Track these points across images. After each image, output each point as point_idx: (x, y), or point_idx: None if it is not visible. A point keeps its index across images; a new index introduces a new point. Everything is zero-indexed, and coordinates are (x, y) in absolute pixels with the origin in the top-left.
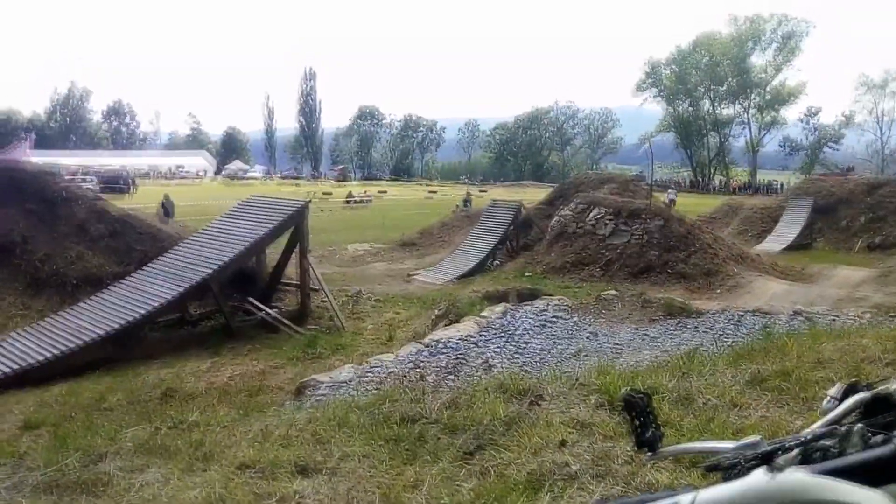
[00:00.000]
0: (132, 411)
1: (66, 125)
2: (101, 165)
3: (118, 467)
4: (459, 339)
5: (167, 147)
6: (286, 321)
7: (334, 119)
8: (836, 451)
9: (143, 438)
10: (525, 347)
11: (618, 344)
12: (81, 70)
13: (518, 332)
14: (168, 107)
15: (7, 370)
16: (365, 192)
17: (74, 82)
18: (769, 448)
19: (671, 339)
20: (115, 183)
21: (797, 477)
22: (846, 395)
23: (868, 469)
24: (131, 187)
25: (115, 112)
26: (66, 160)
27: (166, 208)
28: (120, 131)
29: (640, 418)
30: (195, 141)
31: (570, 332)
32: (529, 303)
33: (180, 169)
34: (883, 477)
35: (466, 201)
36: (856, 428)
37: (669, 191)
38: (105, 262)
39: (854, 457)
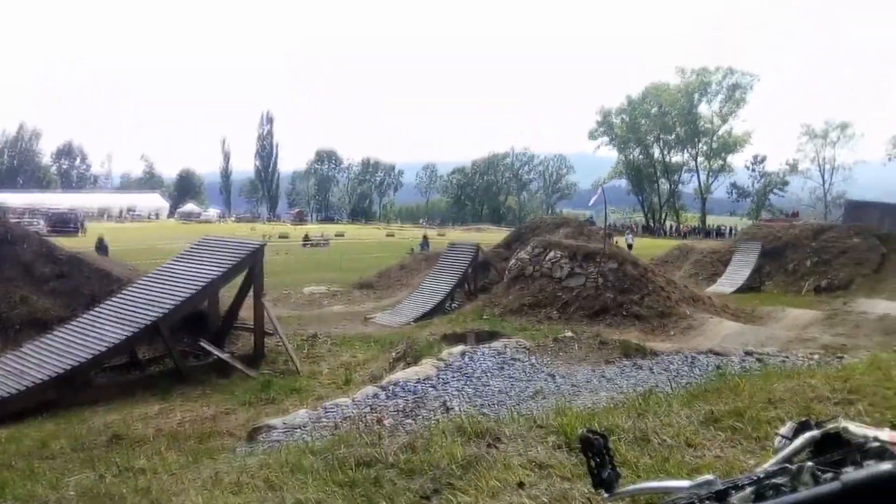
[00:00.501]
0: (76, 458)
1: (13, 166)
2: (49, 206)
3: None
4: (417, 381)
5: (119, 188)
6: (239, 364)
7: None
8: (789, 489)
9: (87, 486)
10: (484, 389)
11: (575, 385)
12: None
13: (477, 374)
14: (121, 148)
15: None
16: (322, 233)
17: (23, 123)
18: (723, 487)
19: (627, 379)
20: (65, 224)
21: None
22: (797, 433)
23: None
24: (80, 229)
25: (66, 153)
26: (12, 201)
27: (100, 252)
28: (70, 173)
29: (597, 458)
30: (148, 182)
31: (528, 373)
32: (488, 344)
33: (132, 211)
34: None
35: (423, 244)
36: (806, 466)
37: (628, 234)
38: (51, 305)
39: (804, 494)
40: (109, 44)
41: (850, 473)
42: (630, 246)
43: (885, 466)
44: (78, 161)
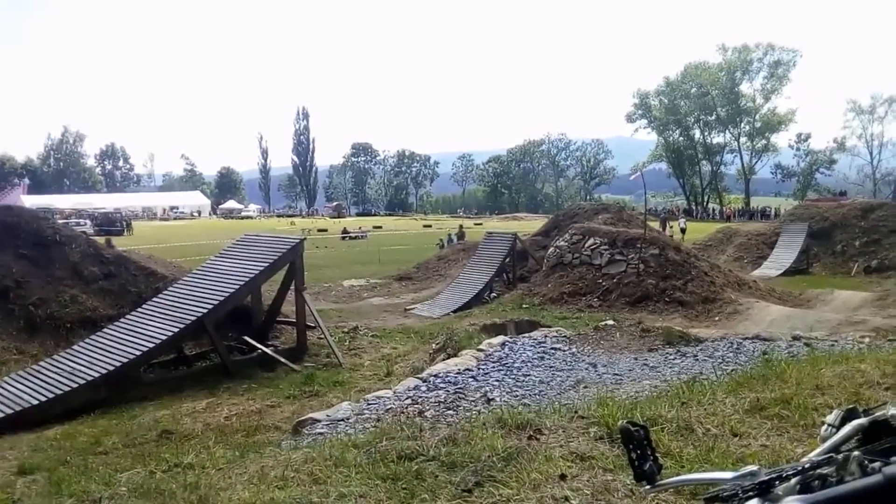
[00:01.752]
0: (128, 454)
1: (59, 169)
2: (95, 208)
3: None
4: (458, 373)
5: (162, 188)
6: (283, 358)
7: (328, 156)
8: (835, 479)
9: (138, 482)
10: (524, 380)
11: (617, 374)
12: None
13: (517, 364)
14: (162, 148)
15: (1, 414)
16: (360, 227)
17: (67, 126)
18: (767, 477)
19: (671, 367)
20: (111, 224)
21: None
22: (844, 421)
23: (860, 499)
24: (125, 229)
25: (109, 155)
26: (60, 203)
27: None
28: (114, 174)
29: (638, 450)
30: (190, 181)
31: (569, 362)
32: (528, 334)
33: (175, 209)
34: None
35: (451, 237)
36: (853, 455)
37: (681, 219)
38: (100, 304)
39: (846, 487)
40: (148, 45)
41: (892, 466)
42: (683, 230)
43: None
44: (121, 162)
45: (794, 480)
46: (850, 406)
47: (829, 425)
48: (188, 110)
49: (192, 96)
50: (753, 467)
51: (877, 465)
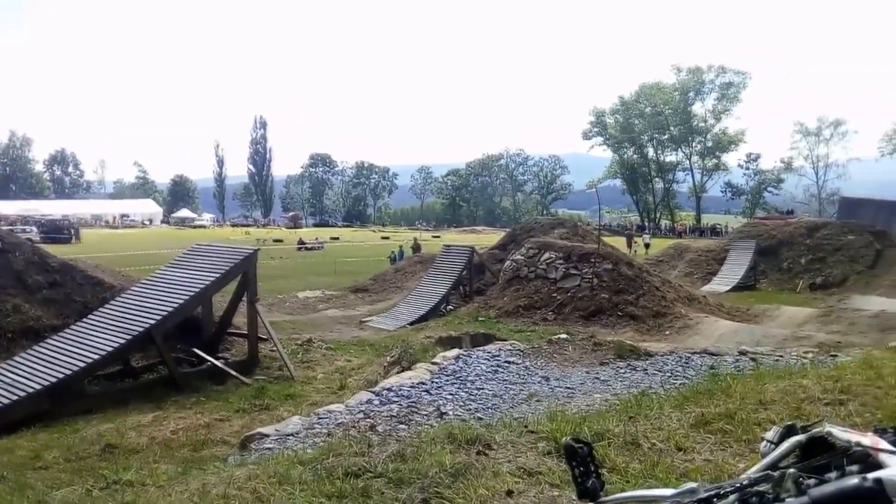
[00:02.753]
0: (69, 469)
1: (5, 174)
2: (42, 214)
3: None
4: (411, 386)
5: (113, 195)
6: (233, 371)
7: (286, 166)
8: (771, 497)
9: (72, 501)
10: (478, 393)
11: (569, 387)
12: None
13: (471, 378)
14: (114, 155)
15: None
16: (317, 238)
17: (13, 130)
18: (706, 494)
19: (621, 381)
20: (58, 232)
21: None
22: (783, 437)
23: None
24: (73, 236)
25: (59, 160)
26: (5, 209)
27: None
28: (63, 180)
29: (582, 467)
30: (142, 189)
31: (523, 376)
32: (482, 347)
33: (126, 217)
34: None
35: (412, 248)
36: (789, 472)
37: (645, 235)
38: (43, 313)
39: None
40: (101, 49)
41: (817, 488)
42: (647, 245)
43: (852, 482)
44: (71, 168)
45: (731, 498)
46: (789, 423)
47: (768, 441)
48: (141, 116)
49: (145, 102)
50: (693, 484)
51: (811, 482)
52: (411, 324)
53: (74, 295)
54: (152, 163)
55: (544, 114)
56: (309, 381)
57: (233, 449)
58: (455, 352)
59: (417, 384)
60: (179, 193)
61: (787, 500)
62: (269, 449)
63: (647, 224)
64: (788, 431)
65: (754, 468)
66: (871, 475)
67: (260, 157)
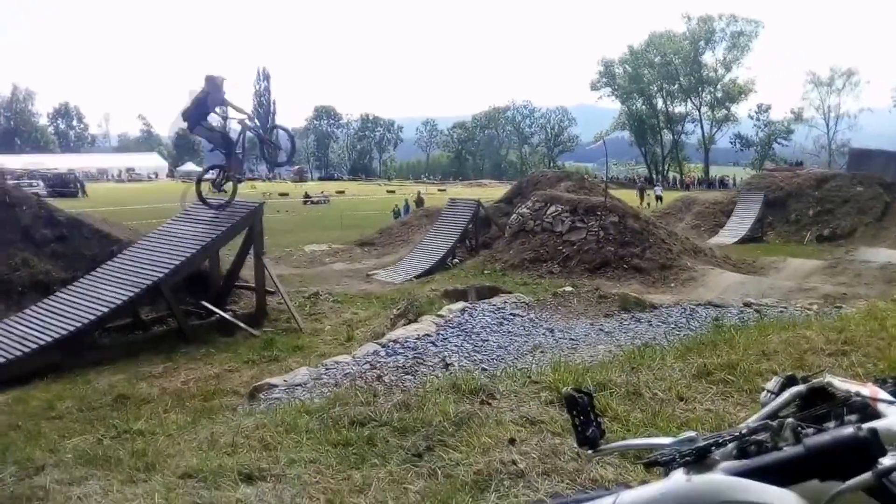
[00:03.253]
0: (82, 419)
1: (9, 128)
2: (47, 169)
3: (55, 480)
4: (417, 339)
5: (117, 149)
6: (241, 323)
7: (290, 119)
8: (770, 445)
9: (84, 449)
10: (483, 345)
11: (573, 339)
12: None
13: (476, 330)
14: (118, 108)
15: None
16: (322, 191)
17: (16, 84)
18: (705, 443)
19: (625, 332)
20: (64, 186)
21: (713, 478)
22: (783, 388)
23: (783, 468)
24: (79, 191)
25: (63, 114)
26: (10, 163)
27: None
28: (67, 134)
29: (582, 416)
30: (146, 142)
31: (527, 328)
32: (488, 300)
33: (131, 171)
34: (796, 476)
35: (415, 202)
36: (787, 422)
37: (657, 187)
38: (52, 267)
39: (771, 456)
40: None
41: (812, 438)
42: (660, 198)
43: (847, 431)
44: (75, 122)
45: (730, 446)
46: (790, 373)
47: (768, 391)
48: (145, 70)
49: (149, 55)
50: (692, 433)
51: (810, 431)
52: (417, 277)
53: (82, 249)
54: (156, 116)
55: (552, 64)
56: (316, 333)
57: (242, 399)
58: (460, 304)
59: (423, 336)
60: (184, 147)
61: (784, 448)
62: (277, 399)
63: (657, 177)
64: (789, 382)
65: (753, 417)
66: (867, 425)
67: (264, 110)
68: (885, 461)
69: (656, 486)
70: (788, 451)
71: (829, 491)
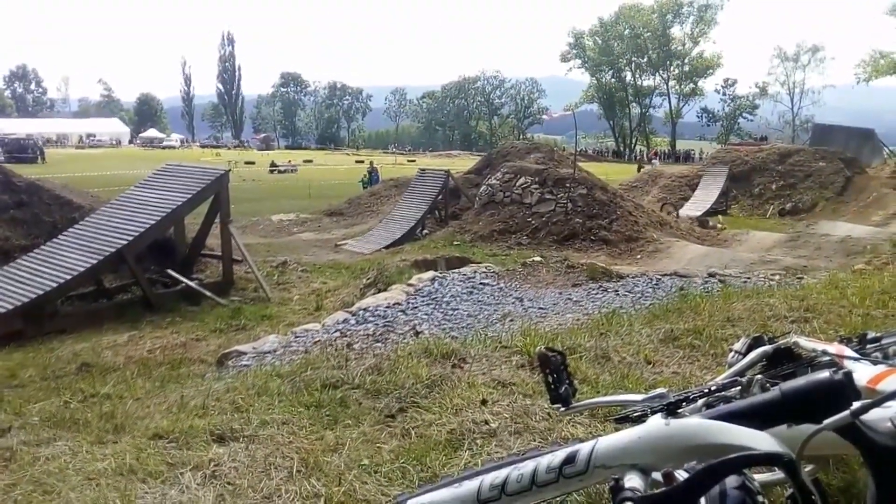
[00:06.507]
0: (45, 387)
1: None
2: (5, 133)
3: (22, 441)
4: (387, 307)
5: (77, 114)
6: (208, 292)
7: (256, 85)
8: (738, 400)
9: (51, 412)
10: (452, 313)
11: (542, 308)
12: None
13: (446, 299)
14: (77, 72)
15: None
16: (289, 160)
17: None
18: (675, 399)
19: (593, 301)
20: (22, 151)
21: (690, 421)
22: (750, 349)
23: (758, 413)
24: (38, 156)
25: (20, 77)
26: None
27: None
28: (25, 97)
29: (555, 374)
30: (107, 107)
31: (497, 297)
32: (457, 270)
33: (92, 137)
34: (771, 419)
35: (373, 175)
36: (756, 378)
37: (654, 161)
38: (12, 234)
39: (745, 402)
40: None
41: (789, 382)
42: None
43: (823, 374)
44: (33, 85)
45: (700, 402)
46: (756, 335)
47: (735, 352)
48: (105, 31)
49: (109, 16)
50: (662, 390)
51: (776, 387)
52: (387, 247)
53: (43, 215)
54: (117, 80)
55: (523, 35)
56: (285, 302)
57: (210, 367)
58: (430, 274)
59: (393, 305)
60: (146, 113)
61: (759, 395)
62: (246, 366)
63: (619, 148)
64: (755, 342)
65: (722, 376)
66: (841, 370)
67: (229, 75)
68: (858, 404)
69: (635, 430)
70: (764, 395)
71: (803, 433)
